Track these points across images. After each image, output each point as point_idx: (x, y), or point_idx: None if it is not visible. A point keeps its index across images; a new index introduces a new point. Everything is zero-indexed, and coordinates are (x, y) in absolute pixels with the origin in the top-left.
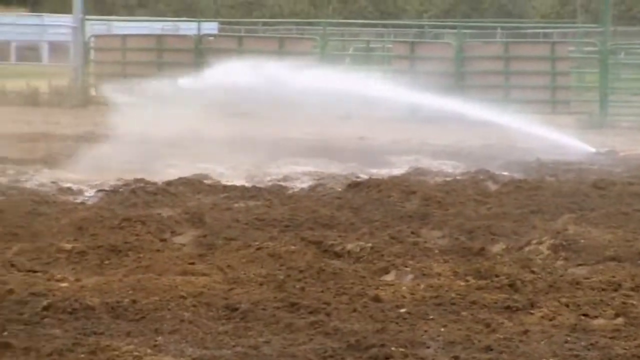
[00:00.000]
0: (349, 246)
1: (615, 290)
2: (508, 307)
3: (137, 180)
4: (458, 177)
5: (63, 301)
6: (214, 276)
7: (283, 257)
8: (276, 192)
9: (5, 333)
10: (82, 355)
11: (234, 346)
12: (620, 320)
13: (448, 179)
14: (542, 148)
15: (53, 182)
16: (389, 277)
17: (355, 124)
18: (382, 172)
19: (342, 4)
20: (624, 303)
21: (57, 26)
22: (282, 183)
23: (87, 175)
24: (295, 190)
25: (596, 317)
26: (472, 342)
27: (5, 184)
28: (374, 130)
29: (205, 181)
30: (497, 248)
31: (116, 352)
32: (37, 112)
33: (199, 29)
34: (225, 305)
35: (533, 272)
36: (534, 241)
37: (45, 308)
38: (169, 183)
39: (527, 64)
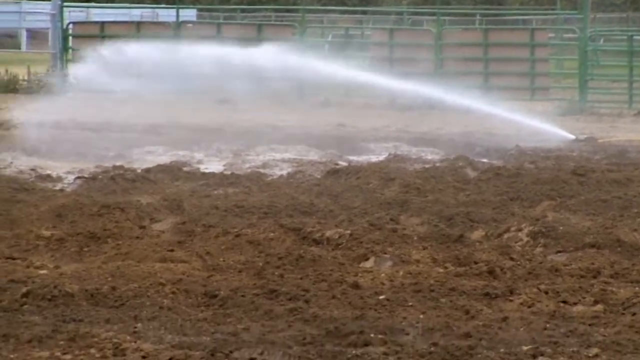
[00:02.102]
0: (328, 233)
1: (594, 277)
2: (487, 294)
3: (116, 168)
4: (437, 164)
5: (42, 288)
6: (193, 263)
7: (262, 244)
8: (255, 179)
9: None
10: (62, 342)
11: (213, 333)
12: (599, 307)
13: (427, 166)
14: (521, 135)
15: (32, 170)
16: (368, 264)
17: (334, 111)
18: (361, 159)
19: None
20: (603, 290)
21: (36, 13)
22: (261, 170)
23: (66, 162)
24: (274, 177)
25: (575, 303)
26: (451, 329)
27: None
28: (353, 117)
29: (183, 168)
30: (476, 235)
31: (95, 339)
32: (16, 99)
33: (177, 16)
34: (204, 292)
35: (512, 259)
36: (513, 228)
37: (25, 295)
38: (147, 170)
39: (506, 50)
